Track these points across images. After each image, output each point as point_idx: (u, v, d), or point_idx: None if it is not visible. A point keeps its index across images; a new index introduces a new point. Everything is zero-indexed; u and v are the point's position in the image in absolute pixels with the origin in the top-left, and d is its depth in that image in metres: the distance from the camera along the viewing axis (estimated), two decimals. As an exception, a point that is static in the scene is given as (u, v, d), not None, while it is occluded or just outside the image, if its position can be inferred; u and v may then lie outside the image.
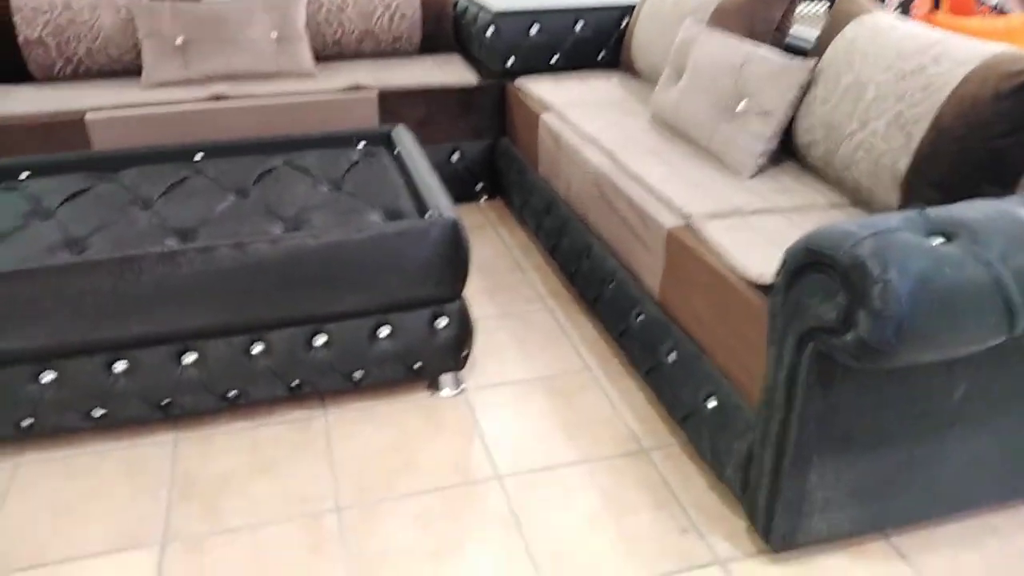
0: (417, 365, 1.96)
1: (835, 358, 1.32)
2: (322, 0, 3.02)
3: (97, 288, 1.66)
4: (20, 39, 2.77)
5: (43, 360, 1.70)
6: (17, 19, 2.76)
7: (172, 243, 1.81)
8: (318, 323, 1.85)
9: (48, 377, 1.71)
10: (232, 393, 1.85)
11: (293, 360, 1.84)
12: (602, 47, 3.07)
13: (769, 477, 1.47)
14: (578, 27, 3.00)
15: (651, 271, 1.95)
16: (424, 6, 3.15)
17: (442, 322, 1.93)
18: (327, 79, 2.88)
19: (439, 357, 1.97)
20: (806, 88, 2.05)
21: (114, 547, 1.58)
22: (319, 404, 1.98)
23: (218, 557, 1.55)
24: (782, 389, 1.41)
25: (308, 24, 3.00)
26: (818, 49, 2.10)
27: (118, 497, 1.70)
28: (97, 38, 2.83)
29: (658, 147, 2.28)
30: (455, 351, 1.98)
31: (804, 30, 2.53)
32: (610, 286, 2.14)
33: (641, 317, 1.98)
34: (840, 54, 1.99)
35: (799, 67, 2.03)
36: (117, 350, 1.74)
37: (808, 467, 1.43)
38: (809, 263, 1.31)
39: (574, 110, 2.61)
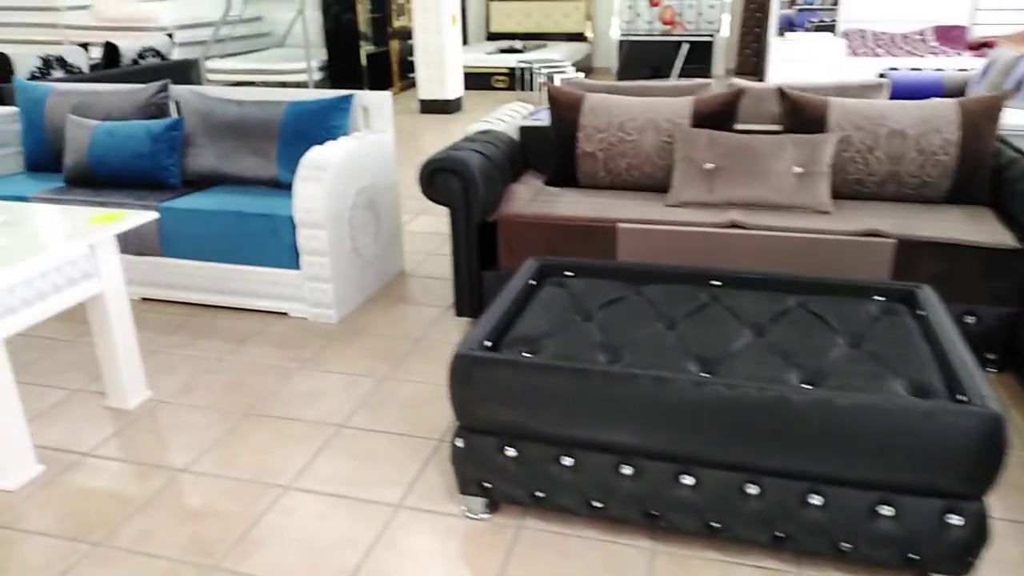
0: (912, 556, 1.79)
1: None
2: (852, 139, 3.02)
3: (627, 397, 1.85)
4: (578, 151, 3.28)
5: (567, 447, 1.95)
6: (580, 135, 3.27)
7: (694, 369, 1.94)
8: (817, 482, 1.80)
9: (568, 462, 1.95)
10: (716, 524, 1.90)
11: (784, 512, 1.83)
12: None
13: None
14: None
15: None
16: (962, 155, 2.95)
17: (954, 519, 1.74)
18: (842, 219, 2.85)
19: (939, 556, 1.78)
20: None
21: (592, 638, 1.72)
22: (794, 561, 1.93)
23: None
24: None
25: (832, 161, 3.01)
26: None
27: (599, 589, 1.86)
28: (637, 156, 3.21)
29: None
30: (960, 555, 1.77)
31: None
32: None
33: None
34: None
35: None
36: (626, 455, 1.91)
37: None
38: None
39: None
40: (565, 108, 3.31)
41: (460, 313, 3.23)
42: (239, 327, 3.30)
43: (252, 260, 3.31)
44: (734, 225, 2.84)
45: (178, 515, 2.16)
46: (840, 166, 3.04)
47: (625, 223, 2.90)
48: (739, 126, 3.27)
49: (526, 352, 2.05)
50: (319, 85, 8.86)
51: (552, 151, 3.39)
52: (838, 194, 3.08)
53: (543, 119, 3.69)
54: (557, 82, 8.44)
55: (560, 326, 2.17)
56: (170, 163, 3.53)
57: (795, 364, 1.95)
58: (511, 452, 1.99)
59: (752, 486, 1.84)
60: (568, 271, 2.55)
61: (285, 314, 3.39)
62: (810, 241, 2.76)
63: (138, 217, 2.55)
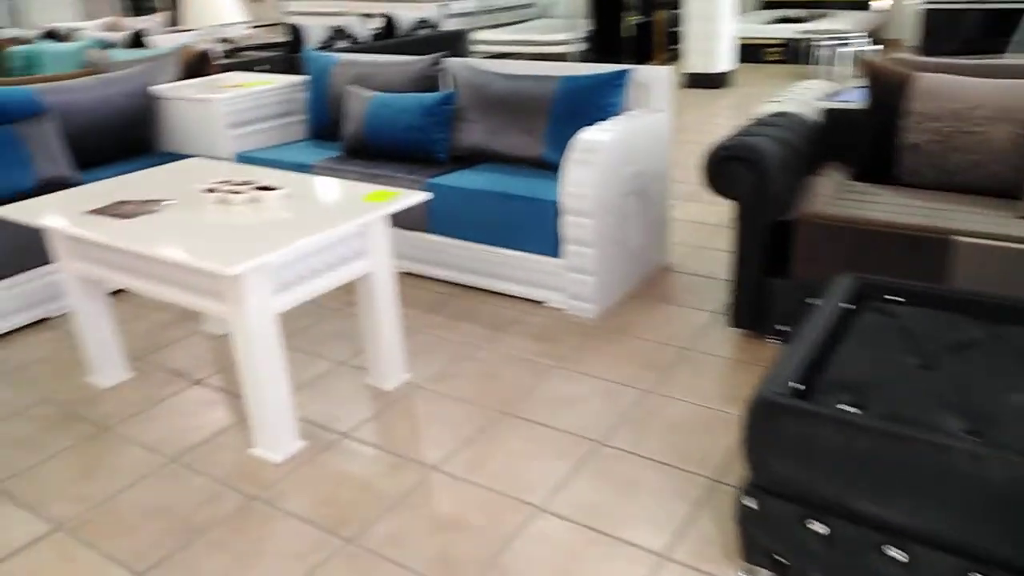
0: None
1: None
2: None
3: (1000, 488, 1.38)
4: (900, 142, 2.71)
5: (899, 536, 1.52)
6: (906, 123, 2.70)
7: (1100, 462, 1.42)
8: None
9: (899, 556, 1.52)
10: None
11: None
12: None
13: None
14: None
15: None
16: None
17: None
18: None
19: None
20: None
21: None
22: None
23: None
24: None
25: None
26: None
27: None
28: (981, 152, 2.58)
29: None
30: None
31: None
32: None
33: None
34: None
35: None
36: (983, 563, 1.45)
37: None
38: None
39: None
40: (889, 89, 2.75)
41: (736, 324, 2.84)
42: (496, 313, 3.16)
43: (513, 244, 3.14)
44: (1125, 251, 2.16)
45: (429, 521, 2.03)
46: None
47: (965, 236, 2.33)
48: None
49: (848, 404, 1.64)
50: (581, 58, 8.67)
51: (864, 140, 2.85)
52: None
53: (851, 100, 3.14)
54: (842, 56, 7.52)
55: (891, 372, 1.72)
56: (441, 137, 3.46)
57: None
58: (820, 528, 1.60)
59: None
60: (894, 295, 2.07)
61: (541, 303, 3.20)
62: None
63: (409, 198, 2.44)
